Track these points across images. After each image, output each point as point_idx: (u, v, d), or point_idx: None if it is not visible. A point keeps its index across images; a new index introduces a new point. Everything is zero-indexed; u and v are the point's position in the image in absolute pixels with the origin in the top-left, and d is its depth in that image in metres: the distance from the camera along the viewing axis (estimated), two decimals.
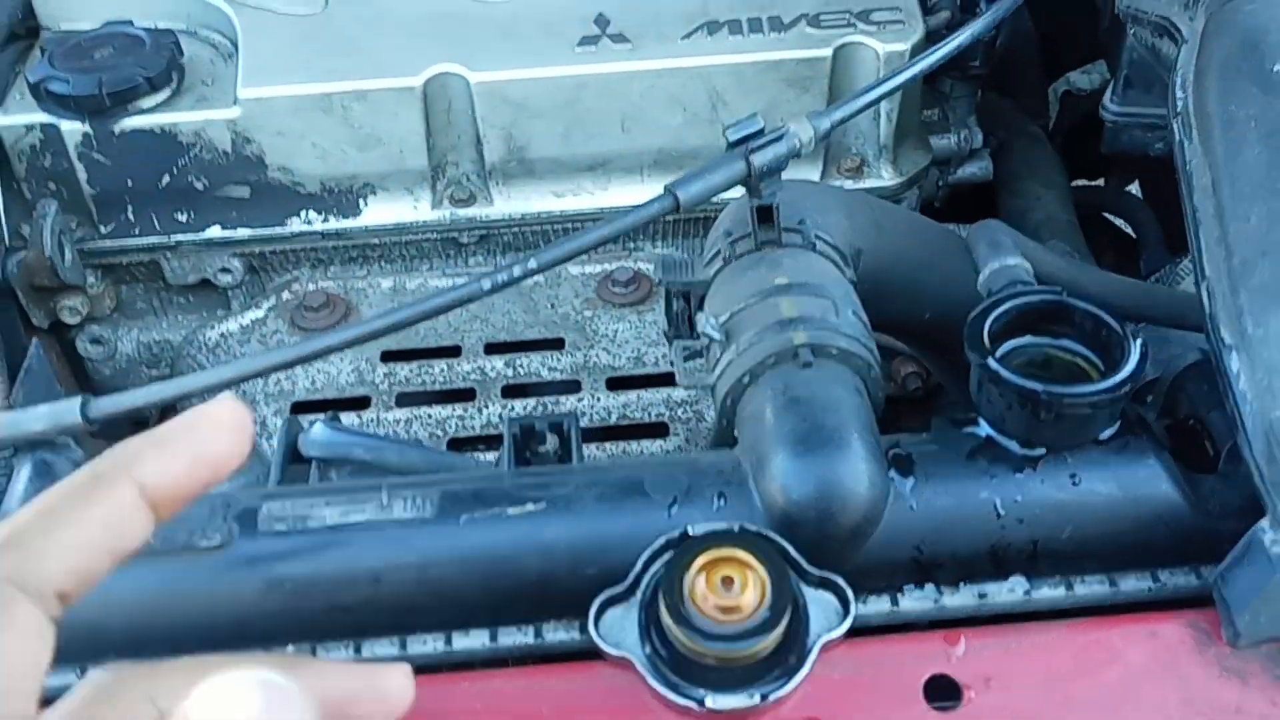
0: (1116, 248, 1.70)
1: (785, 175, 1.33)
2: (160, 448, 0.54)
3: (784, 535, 0.75)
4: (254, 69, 1.31)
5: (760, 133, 0.82)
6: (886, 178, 1.39)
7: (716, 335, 0.82)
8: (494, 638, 0.77)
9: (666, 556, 0.73)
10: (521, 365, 1.34)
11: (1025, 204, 1.51)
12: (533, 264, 0.78)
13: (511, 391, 1.32)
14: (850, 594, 0.72)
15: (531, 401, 1.31)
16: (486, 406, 1.31)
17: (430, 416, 1.30)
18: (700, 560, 0.71)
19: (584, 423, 1.30)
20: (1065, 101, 1.83)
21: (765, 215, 0.85)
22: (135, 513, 0.53)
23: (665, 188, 0.82)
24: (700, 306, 0.88)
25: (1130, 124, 1.30)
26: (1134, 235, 1.67)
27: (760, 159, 0.82)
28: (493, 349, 1.35)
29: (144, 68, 1.29)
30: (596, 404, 1.31)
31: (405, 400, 1.32)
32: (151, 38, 1.32)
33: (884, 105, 1.34)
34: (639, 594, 0.73)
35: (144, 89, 1.29)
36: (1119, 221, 1.74)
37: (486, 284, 0.78)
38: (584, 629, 0.74)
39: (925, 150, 1.43)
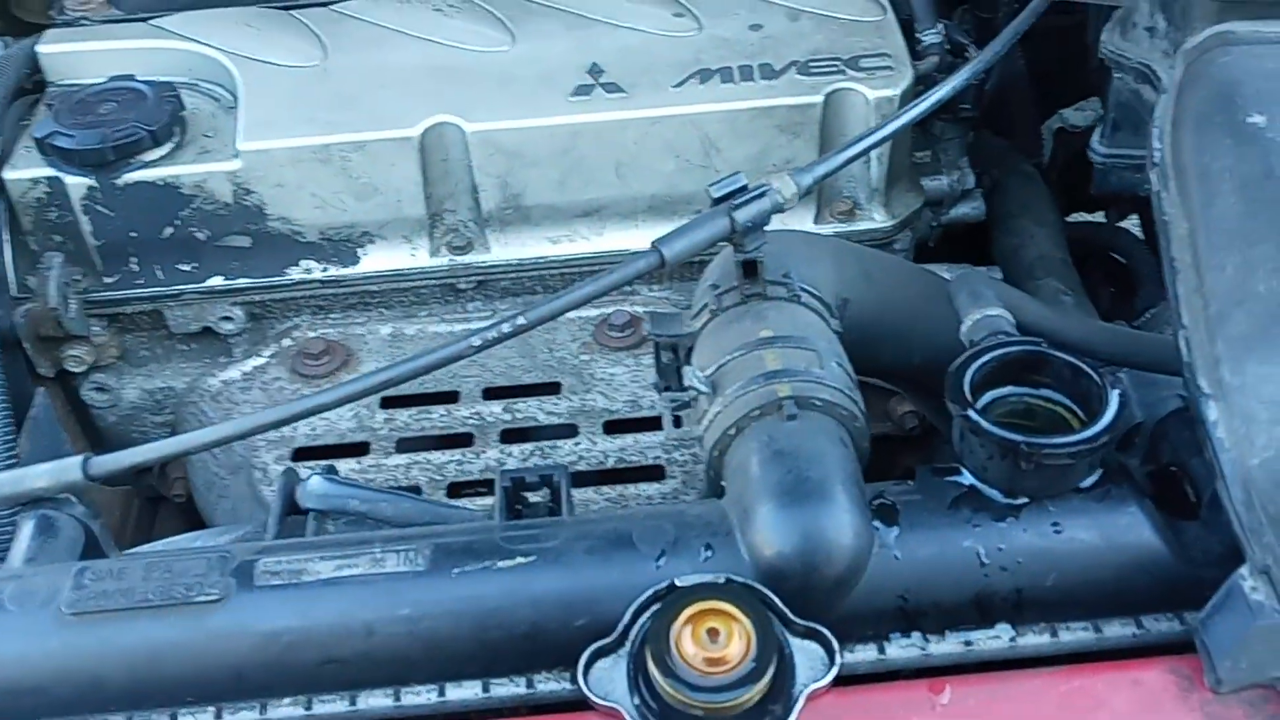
0: (1114, 282, 1.71)
1: (776, 220, 1.35)
2: None
3: (770, 586, 0.76)
4: (254, 122, 1.33)
5: (743, 189, 0.84)
6: (879, 220, 1.40)
7: (703, 388, 0.83)
8: (486, 689, 0.78)
9: (654, 608, 0.75)
10: (519, 410, 1.35)
11: (1019, 241, 1.53)
12: (521, 321, 0.80)
13: (510, 436, 1.34)
14: (836, 644, 0.74)
15: (529, 446, 1.33)
16: (485, 451, 1.32)
17: (429, 462, 1.31)
18: (687, 613, 0.72)
19: (581, 466, 1.31)
20: (1059, 138, 1.85)
21: (750, 269, 0.86)
22: None
23: (652, 244, 0.84)
24: (689, 359, 0.90)
25: (1119, 165, 1.31)
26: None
27: (743, 215, 0.83)
28: (491, 394, 1.37)
29: (146, 122, 1.31)
30: (594, 448, 1.32)
31: (405, 446, 1.33)
32: (154, 92, 1.35)
33: (874, 150, 1.36)
34: (628, 645, 0.74)
35: (147, 143, 1.31)
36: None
37: (477, 341, 0.80)
38: (575, 679, 0.75)
39: (917, 192, 1.44)
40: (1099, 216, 1.90)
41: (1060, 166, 1.81)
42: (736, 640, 0.71)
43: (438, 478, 1.31)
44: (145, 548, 1.03)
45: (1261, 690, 0.73)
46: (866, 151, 0.91)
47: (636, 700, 0.72)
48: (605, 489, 1.30)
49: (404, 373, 0.82)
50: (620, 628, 0.74)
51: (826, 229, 1.39)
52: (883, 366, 1.03)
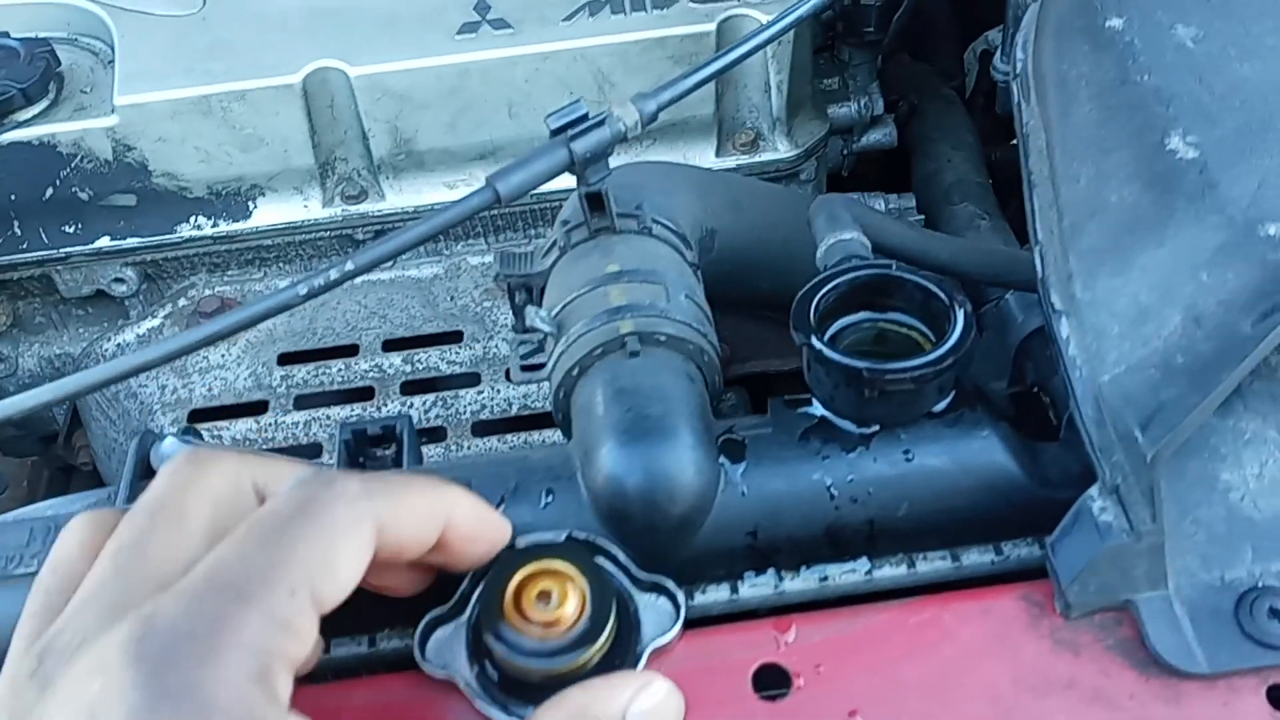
0: None
1: (670, 156, 1.32)
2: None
3: (612, 528, 0.74)
4: (131, 75, 1.29)
5: (584, 119, 0.80)
6: (783, 150, 1.37)
7: (547, 328, 0.80)
8: (327, 650, 0.76)
9: (490, 572, 0.72)
10: (420, 360, 1.33)
11: (936, 167, 1.49)
12: (350, 266, 0.77)
13: (411, 388, 1.31)
14: (680, 596, 0.71)
15: (431, 396, 1.30)
16: (386, 405, 1.30)
17: (329, 418, 1.29)
18: (519, 575, 0.69)
19: (485, 415, 1.29)
20: (984, 61, 1.81)
21: (596, 202, 0.83)
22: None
23: (486, 179, 0.81)
24: (541, 299, 0.87)
25: None
26: None
27: (581, 146, 0.80)
28: (391, 345, 1.34)
29: (18, 80, 1.27)
30: (497, 395, 1.30)
31: (303, 403, 1.30)
32: (26, 48, 1.31)
33: (774, 77, 1.32)
34: (467, 612, 0.71)
35: (19, 101, 1.27)
36: None
37: (303, 290, 0.76)
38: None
39: (822, 120, 1.41)
40: None
41: (985, 90, 1.77)
42: (570, 601, 0.68)
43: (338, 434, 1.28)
44: (11, 515, 1.00)
45: (1113, 613, 0.70)
46: (714, 76, 0.86)
47: (476, 670, 0.69)
48: (510, 436, 1.28)
49: (243, 319, 0.79)
50: (459, 594, 0.71)
51: (730, 161, 1.36)
52: (764, 295, 1.00)
